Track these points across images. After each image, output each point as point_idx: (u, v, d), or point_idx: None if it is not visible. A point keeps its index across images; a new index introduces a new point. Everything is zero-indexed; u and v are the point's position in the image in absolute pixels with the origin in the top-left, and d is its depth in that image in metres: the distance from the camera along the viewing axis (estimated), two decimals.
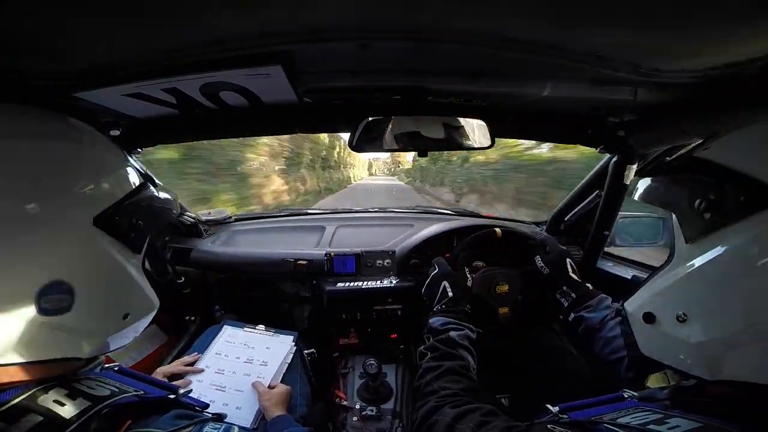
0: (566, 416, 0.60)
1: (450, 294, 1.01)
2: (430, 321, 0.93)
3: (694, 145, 0.58)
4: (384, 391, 1.28)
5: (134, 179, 0.60)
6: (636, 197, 0.62)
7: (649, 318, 0.54)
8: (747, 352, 0.44)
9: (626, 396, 0.63)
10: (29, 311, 0.45)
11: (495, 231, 1.32)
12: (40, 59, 0.66)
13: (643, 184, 0.61)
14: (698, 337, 0.48)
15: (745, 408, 0.45)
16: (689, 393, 0.55)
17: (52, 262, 0.47)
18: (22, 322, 0.45)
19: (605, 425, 0.52)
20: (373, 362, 1.19)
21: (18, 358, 0.46)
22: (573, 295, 1.08)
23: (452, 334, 0.88)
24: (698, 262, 0.48)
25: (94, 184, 0.53)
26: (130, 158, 0.63)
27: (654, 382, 0.62)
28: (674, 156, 0.67)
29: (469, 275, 1.24)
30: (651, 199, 0.60)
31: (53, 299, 0.47)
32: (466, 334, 0.90)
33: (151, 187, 0.62)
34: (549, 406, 0.64)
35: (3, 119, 0.51)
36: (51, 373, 0.51)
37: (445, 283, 1.03)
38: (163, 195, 0.65)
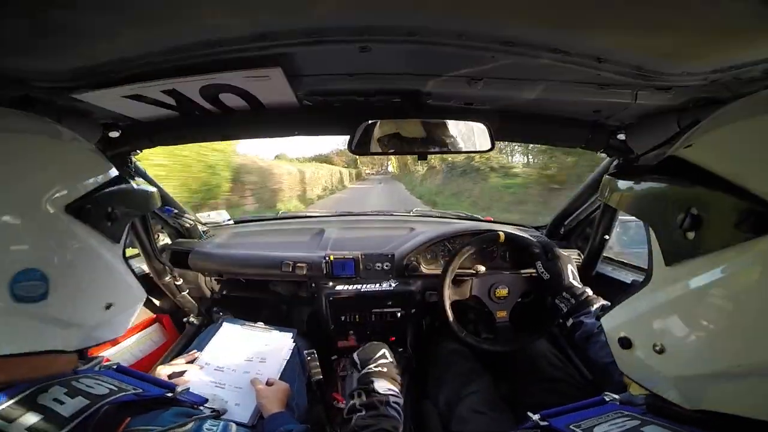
0: (546, 422, 0.59)
1: (389, 359, 1.02)
2: (375, 383, 0.92)
3: (679, 141, 0.46)
4: None
5: (109, 171, 0.60)
6: (603, 200, 0.54)
7: (624, 343, 0.50)
8: (732, 388, 0.38)
9: (607, 400, 0.62)
10: (4, 299, 0.46)
11: (498, 235, 1.32)
12: (39, 60, 0.66)
13: (615, 186, 0.51)
14: (676, 371, 0.43)
15: (724, 421, 0.42)
16: (664, 401, 0.54)
17: (23, 249, 0.48)
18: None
19: None
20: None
21: (3, 350, 0.47)
22: (572, 300, 1.08)
23: (392, 399, 0.89)
24: (679, 290, 0.41)
25: (66, 174, 0.54)
26: (100, 153, 0.63)
27: (636, 388, 0.58)
28: (655, 154, 0.54)
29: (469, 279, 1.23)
30: (623, 205, 0.50)
31: (26, 286, 0.47)
32: (400, 401, 0.91)
33: (130, 181, 0.64)
34: (530, 413, 0.64)
35: None
36: (45, 370, 0.51)
37: (384, 350, 1.05)
38: (140, 187, 0.66)
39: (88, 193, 0.55)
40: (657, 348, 0.44)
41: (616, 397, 0.62)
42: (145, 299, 0.68)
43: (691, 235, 0.38)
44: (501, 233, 1.32)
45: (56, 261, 0.51)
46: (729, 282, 0.36)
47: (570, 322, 1.07)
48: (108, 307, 0.58)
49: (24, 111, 0.56)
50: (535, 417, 0.62)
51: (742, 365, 0.36)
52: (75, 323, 0.54)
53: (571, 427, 0.54)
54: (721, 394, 0.40)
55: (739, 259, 0.35)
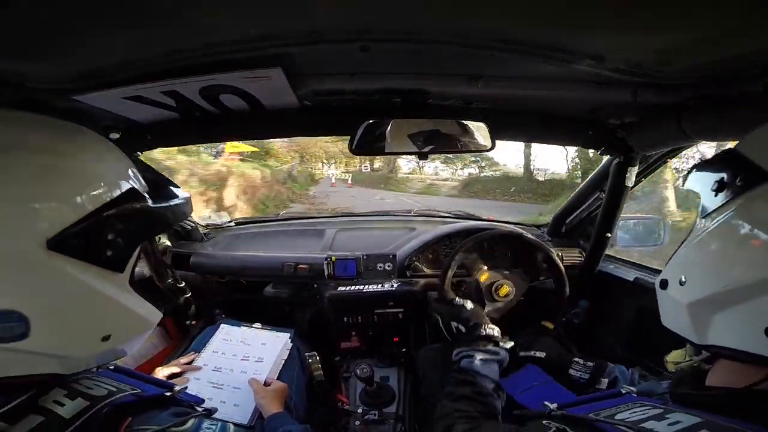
0: (563, 411, 0.60)
1: (462, 329, 1.00)
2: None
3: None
4: (386, 394, 1.27)
5: (113, 190, 0.51)
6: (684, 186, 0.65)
7: (663, 284, 0.58)
8: (728, 317, 0.47)
9: (624, 391, 0.63)
10: None
11: (502, 233, 1.31)
12: (40, 62, 0.66)
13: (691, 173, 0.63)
14: (689, 297, 0.51)
15: (748, 405, 0.44)
16: (688, 385, 0.54)
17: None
18: None
19: (602, 422, 0.51)
20: (365, 366, 1.17)
21: None
22: (589, 364, 1.05)
23: (463, 363, 0.89)
24: (701, 232, 0.53)
25: (47, 201, 0.46)
26: (123, 158, 0.56)
27: (674, 356, 0.63)
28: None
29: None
30: (689, 183, 0.61)
31: (4, 328, 0.43)
32: (479, 358, 0.88)
33: (144, 196, 0.54)
34: (547, 403, 0.64)
35: None
36: (38, 381, 0.50)
37: (453, 323, 1.03)
38: (161, 205, 0.57)
39: (76, 223, 0.47)
40: (682, 281, 0.53)
41: (633, 389, 0.62)
42: (156, 324, 0.61)
43: (719, 194, 0.51)
44: (506, 231, 1.32)
45: (36, 302, 0.45)
46: (725, 220, 0.50)
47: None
48: (106, 338, 0.52)
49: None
50: (552, 406, 0.62)
51: (728, 286, 0.46)
52: (66, 355, 0.50)
53: (590, 415, 0.55)
54: (722, 326, 0.47)
55: (735, 204, 0.49)
